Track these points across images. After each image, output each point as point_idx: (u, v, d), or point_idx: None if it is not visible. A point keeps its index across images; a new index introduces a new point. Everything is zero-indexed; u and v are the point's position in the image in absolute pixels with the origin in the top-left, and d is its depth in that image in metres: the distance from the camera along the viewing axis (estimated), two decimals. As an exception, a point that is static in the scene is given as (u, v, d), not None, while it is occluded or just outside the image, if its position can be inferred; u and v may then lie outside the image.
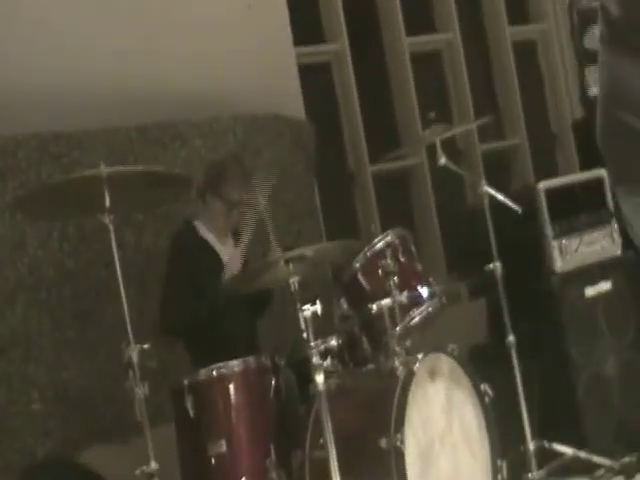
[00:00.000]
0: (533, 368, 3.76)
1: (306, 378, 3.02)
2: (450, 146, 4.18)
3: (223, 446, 3.10)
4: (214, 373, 3.18)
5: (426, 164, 4.94)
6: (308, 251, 3.10)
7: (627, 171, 1.77)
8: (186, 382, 3.16)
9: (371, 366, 3.29)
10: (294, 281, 3.04)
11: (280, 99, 4.34)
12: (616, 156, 1.80)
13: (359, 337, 3.35)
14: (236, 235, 3.60)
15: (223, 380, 3.17)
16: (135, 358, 2.73)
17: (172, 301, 3.43)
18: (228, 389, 3.17)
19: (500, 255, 3.63)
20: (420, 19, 5.12)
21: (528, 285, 3.88)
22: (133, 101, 3.94)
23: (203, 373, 3.18)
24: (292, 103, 4.41)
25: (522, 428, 3.60)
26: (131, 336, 2.77)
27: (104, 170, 2.81)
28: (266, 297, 3.61)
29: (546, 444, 3.62)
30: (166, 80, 4.05)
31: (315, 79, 4.80)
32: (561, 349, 3.78)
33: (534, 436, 3.61)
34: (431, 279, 3.40)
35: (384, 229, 3.49)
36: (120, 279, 2.79)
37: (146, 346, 2.77)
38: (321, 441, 2.94)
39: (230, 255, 3.46)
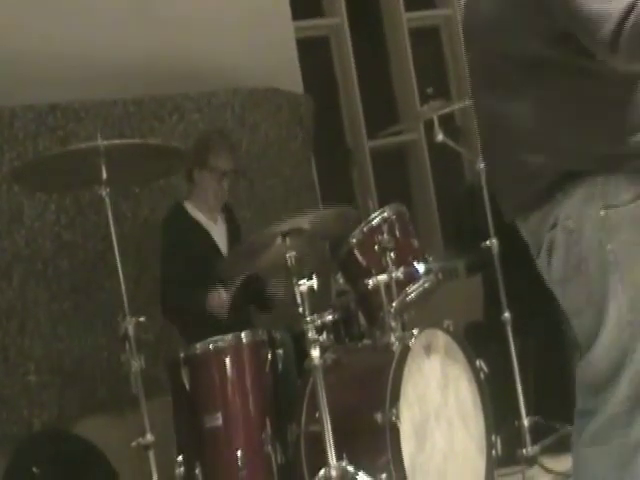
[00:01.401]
0: (529, 345, 3.76)
1: (303, 353, 3.03)
2: (448, 122, 4.14)
3: (219, 419, 3.11)
4: (210, 346, 3.19)
5: (424, 140, 4.92)
6: (304, 222, 3.08)
7: None
8: (182, 355, 3.17)
9: (367, 341, 3.29)
10: (291, 256, 3.04)
11: (278, 73, 4.32)
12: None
13: (355, 312, 3.35)
14: (226, 211, 3.60)
15: (219, 353, 3.18)
16: (131, 331, 2.73)
17: (170, 285, 3.45)
18: (224, 362, 3.17)
19: (497, 232, 3.61)
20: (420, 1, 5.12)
21: (525, 262, 3.85)
22: (130, 74, 3.92)
23: (199, 346, 3.19)
24: (290, 77, 4.40)
25: (517, 404, 3.60)
26: (127, 309, 2.76)
27: (101, 143, 2.79)
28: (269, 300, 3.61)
29: (540, 420, 3.62)
30: (164, 53, 4.02)
31: (313, 53, 4.78)
32: (557, 326, 3.76)
33: (529, 412, 3.62)
34: (428, 255, 3.39)
35: (381, 205, 3.49)
36: (116, 252, 2.78)
37: (142, 319, 2.76)
38: (316, 415, 2.94)
39: (219, 300, 3.40)
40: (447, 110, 3.84)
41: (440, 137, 3.64)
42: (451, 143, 3.69)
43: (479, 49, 1.99)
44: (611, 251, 1.89)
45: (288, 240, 3.06)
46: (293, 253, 3.04)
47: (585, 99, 1.86)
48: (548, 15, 1.81)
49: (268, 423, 3.16)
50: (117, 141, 2.91)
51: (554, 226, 1.93)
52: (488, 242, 3.63)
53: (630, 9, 1.72)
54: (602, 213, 1.88)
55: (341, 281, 3.40)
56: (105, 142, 2.79)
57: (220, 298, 3.38)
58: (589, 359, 1.95)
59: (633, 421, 1.91)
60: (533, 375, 3.76)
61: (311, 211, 3.22)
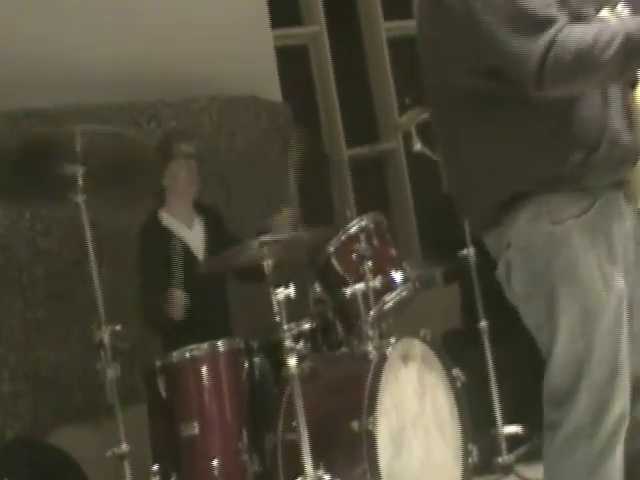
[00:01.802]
0: (506, 353, 3.76)
1: (280, 361, 3.03)
2: (427, 131, 3.98)
3: (195, 428, 3.10)
4: (187, 355, 3.18)
5: (402, 149, 4.92)
6: (282, 237, 3.12)
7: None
8: (158, 364, 3.16)
9: (344, 350, 3.30)
10: (268, 264, 3.04)
11: (257, 81, 4.32)
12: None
13: (333, 321, 3.35)
14: (205, 212, 3.59)
15: (196, 362, 3.17)
16: (107, 339, 2.71)
17: (148, 294, 3.45)
18: (201, 371, 3.16)
19: (474, 241, 3.60)
20: (398, 4, 4.97)
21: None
22: (108, 80, 3.90)
23: (176, 355, 3.18)
24: (269, 85, 4.41)
25: (493, 413, 3.61)
26: (103, 317, 2.74)
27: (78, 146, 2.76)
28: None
29: (517, 429, 3.63)
30: (142, 59, 4.01)
31: (293, 62, 4.78)
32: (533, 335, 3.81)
33: (505, 421, 3.63)
34: (405, 264, 3.40)
35: (359, 213, 3.49)
36: (92, 259, 2.76)
37: (118, 327, 2.74)
38: (293, 424, 2.94)
39: (174, 300, 3.37)
40: (425, 118, 3.80)
41: (418, 146, 3.68)
42: (429, 152, 3.70)
43: (428, 71, 2.08)
44: (558, 265, 1.95)
45: (265, 248, 3.06)
46: (270, 261, 3.04)
47: (524, 125, 1.95)
48: (478, 52, 1.92)
49: (245, 432, 3.15)
50: (93, 127, 2.87)
51: (508, 246, 2.00)
52: (465, 251, 3.65)
53: (549, 47, 1.84)
54: (549, 229, 1.96)
55: (319, 289, 3.39)
56: (80, 126, 2.74)
57: (175, 298, 3.35)
58: (550, 373, 1.99)
59: (596, 431, 1.94)
60: (510, 384, 3.76)
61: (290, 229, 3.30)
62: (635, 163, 1.98)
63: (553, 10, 1.88)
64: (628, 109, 1.98)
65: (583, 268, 1.95)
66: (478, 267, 3.63)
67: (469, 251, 3.63)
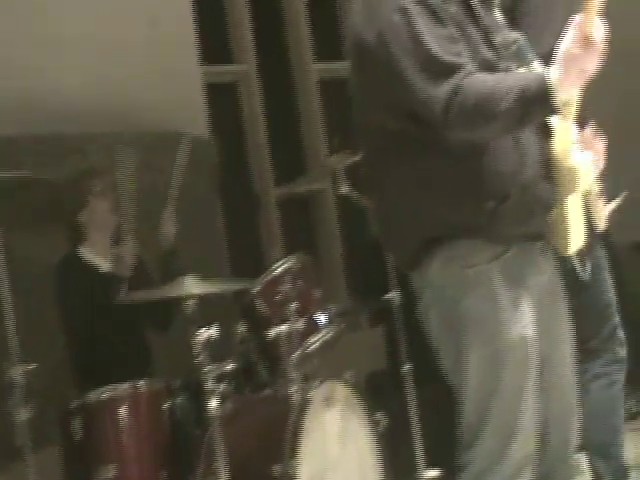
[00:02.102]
0: (429, 395, 3.76)
1: (202, 402, 2.98)
2: (356, 172, 3.87)
3: (112, 471, 3.01)
4: (105, 395, 3.10)
5: (331, 190, 4.89)
6: (202, 288, 3.07)
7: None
8: (74, 404, 3.07)
9: (267, 392, 3.26)
10: (191, 303, 2.99)
11: (185, 117, 4.28)
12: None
13: (256, 362, 3.31)
14: (118, 241, 3.57)
15: (114, 403, 3.09)
16: (18, 378, 2.62)
17: (69, 333, 3.41)
18: (118, 412, 3.09)
19: (399, 284, 3.61)
20: (329, 45, 5.09)
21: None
22: (32, 111, 3.81)
23: (93, 395, 3.09)
24: (197, 122, 4.36)
25: (415, 457, 3.60)
26: (15, 355, 2.64)
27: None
28: (169, 310, 3.56)
29: (437, 473, 3.61)
30: (67, 93, 3.95)
31: (222, 99, 4.75)
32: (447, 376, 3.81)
33: (427, 464, 3.61)
34: (331, 306, 3.40)
35: (287, 253, 3.48)
36: (6, 295, 2.66)
37: (32, 366, 2.65)
38: (214, 467, 2.89)
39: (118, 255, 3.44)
40: (354, 160, 3.73)
41: (344, 189, 3.67)
42: (355, 195, 3.68)
43: (357, 113, 2.14)
44: (468, 308, 2.01)
45: (188, 287, 3.03)
46: (192, 301, 3.00)
47: (441, 171, 2.02)
48: (397, 96, 2.00)
49: (164, 475, 3.08)
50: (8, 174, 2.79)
51: (426, 287, 2.08)
52: (390, 294, 3.65)
53: (455, 92, 1.93)
54: (461, 272, 2.02)
55: (243, 329, 3.35)
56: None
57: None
58: (462, 415, 2.03)
59: (498, 473, 1.99)
60: (432, 426, 3.75)
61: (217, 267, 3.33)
62: (549, 214, 2.03)
63: (461, 58, 1.97)
64: (545, 160, 2.03)
65: (491, 313, 2.00)
66: (403, 310, 3.64)
67: (394, 294, 3.64)
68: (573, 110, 1.99)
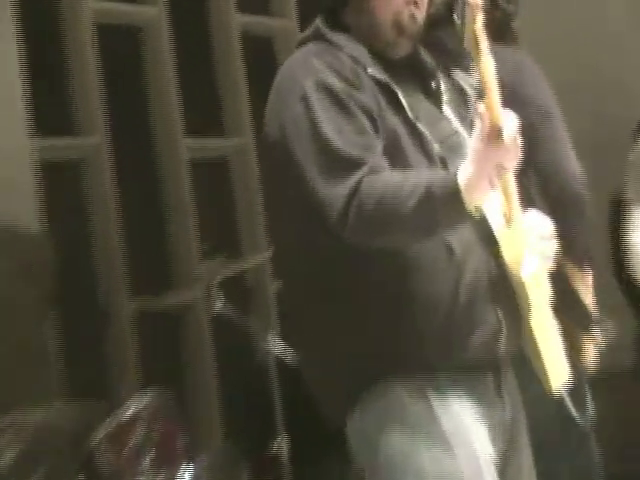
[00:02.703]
0: None
1: None
2: (237, 283, 3.87)
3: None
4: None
5: (202, 305, 4.30)
6: (27, 418, 2.84)
7: None
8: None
9: None
10: (9, 457, 2.74)
11: (10, 206, 3.67)
12: None
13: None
14: None
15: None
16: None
17: None
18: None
19: (289, 427, 3.47)
20: (204, 126, 4.69)
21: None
22: None
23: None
24: (25, 210, 3.76)
25: None
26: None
27: None
28: None
29: None
30: None
31: (61, 180, 4.07)
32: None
33: None
34: (200, 455, 3.16)
35: (141, 388, 3.33)
36: None
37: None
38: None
39: None
40: (232, 271, 3.63)
41: (219, 305, 3.39)
42: (233, 314, 3.40)
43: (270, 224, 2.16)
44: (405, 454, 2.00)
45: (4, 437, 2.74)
46: (11, 454, 2.72)
47: (356, 290, 2.00)
48: (299, 201, 1.96)
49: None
50: None
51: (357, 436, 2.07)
52: (278, 439, 3.47)
53: (353, 193, 1.88)
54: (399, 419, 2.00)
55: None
56: None
57: None
58: None
59: None
60: None
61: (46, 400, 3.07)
62: (499, 342, 1.96)
63: (368, 153, 1.90)
64: (490, 273, 1.95)
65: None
66: (295, 459, 3.48)
67: (281, 440, 3.47)
68: (514, 211, 1.91)
